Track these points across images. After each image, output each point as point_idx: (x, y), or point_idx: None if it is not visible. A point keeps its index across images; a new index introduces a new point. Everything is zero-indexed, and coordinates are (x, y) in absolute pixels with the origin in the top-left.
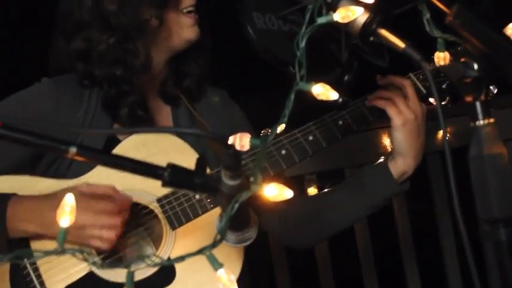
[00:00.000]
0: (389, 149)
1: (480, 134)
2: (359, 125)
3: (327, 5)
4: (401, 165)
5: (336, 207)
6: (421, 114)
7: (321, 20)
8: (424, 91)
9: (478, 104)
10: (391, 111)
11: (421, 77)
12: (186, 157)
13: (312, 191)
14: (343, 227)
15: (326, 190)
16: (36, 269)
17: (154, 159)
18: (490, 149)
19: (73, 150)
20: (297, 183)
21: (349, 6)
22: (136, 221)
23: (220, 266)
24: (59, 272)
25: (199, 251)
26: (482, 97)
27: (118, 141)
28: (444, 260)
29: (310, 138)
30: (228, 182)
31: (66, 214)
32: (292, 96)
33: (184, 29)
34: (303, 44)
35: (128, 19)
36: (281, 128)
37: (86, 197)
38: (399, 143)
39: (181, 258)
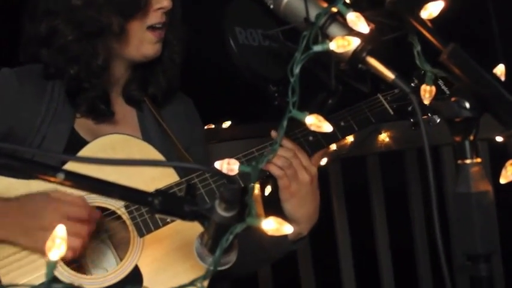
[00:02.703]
0: None
1: (468, 172)
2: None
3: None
4: (296, 229)
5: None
6: (311, 179)
7: (317, 48)
8: (392, 112)
9: (466, 143)
10: (281, 183)
11: (388, 98)
12: None
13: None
14: (247, 270)
15: None
16: None
17: None
18: (477, 186)
19: (61, 176)
20: None
21: (346, 36)
22: (100, 225)
23: None
24: (19, 276)
25: (191, 283)
26: (471, 137)
27: (81, 139)
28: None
29: None
30: (222, 212)
31: (56, 247)
32: (285, 124)
33: (144, 44)
34: (297, 71)
35: (89, 18)
36: None
37: (55, 200)
38: (289, 213)
39: None
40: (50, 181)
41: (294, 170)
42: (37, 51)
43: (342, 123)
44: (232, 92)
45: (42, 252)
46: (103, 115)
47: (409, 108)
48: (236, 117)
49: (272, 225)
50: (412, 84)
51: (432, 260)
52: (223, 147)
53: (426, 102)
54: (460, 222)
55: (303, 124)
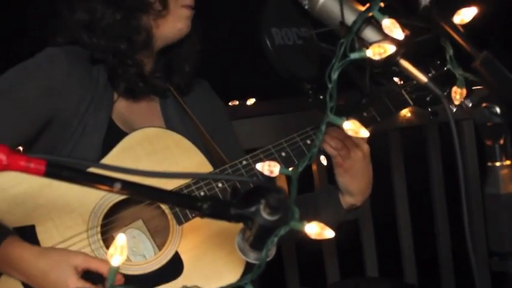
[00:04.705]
0: None
1: (497, 174)
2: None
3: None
4: (350, 201)
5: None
6: (364, 156)
7: (354, 56)
8: (411, 103)
9: (497, 147)
10: (335, 161)
11: (408, 88)
12: (189, 155)
13: None
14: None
15: None
16: None
17: (158, 156)
18: (506, 188)
19: (118, 185)
20: None
21: (381, 44)
22: (137, 213)
23: None
24: None
25: (240, 282)
26: (501, 141)
27: (118, 129)
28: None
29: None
30: (266, 216)
31: (118, 253)
32: (323, 128)
33: (180, 20)
34: (335, 77)
35: None
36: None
37: (78, 273)
38: (344, 187)
39: None
40: (107, 191)
41: (346, 149)
42: (76, 37)
43: (365, 114)
44: (256, 68)
45: None
46: (141, 92)
47: (428, 98)
48: (260, 94)
49: (315, 230)
50: (429, 74)
51: (452, 231)
52: (248, 124)
53: (456, 103)
54: (489, 221)
55: None
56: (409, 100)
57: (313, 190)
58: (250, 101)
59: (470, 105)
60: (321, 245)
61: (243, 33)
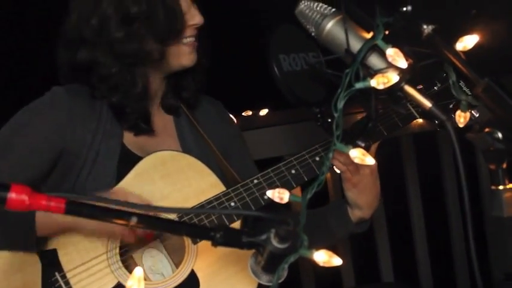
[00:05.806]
0: None
1: (501, 197)
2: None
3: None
4: (358, 214)
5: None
6: (371, 171)
7: (359, 85)
8: (418, 116)
9: (499, 171)
10: (343, 176)
11: (414, 102)
12: (202, 176)
13: None
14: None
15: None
16: (67, 283)
17: (172, 178)
18: (510, 211)
19: (134, 219)
20: None
21: (385, 74)
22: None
23: None
24: (89, 284)
25: None
26: (504, 165)
27: (131, 153)
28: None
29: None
30: (276, 244)
31: (136, 285)
32: (331, 155)
33: (181, 56)
34: (341, 106)
35: (131, 50)
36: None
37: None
38: (352, 201)
39: None
40: (124, 225)
41: (354, 165)
42: (76, 75)
43: None
44: (269, 78)
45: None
46: (145, 132)
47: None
48: (273, 104)
49: (323, 257)
50: (435, 87)
51: (467, 235)
52: (261, 134)
53: (461, 126)
54: (496, 243)
55: None
56: (415, 114)
57: (327, 196)
58: (263, 111)
59: (478, 115)
60: (337, 251)
61: (256, 43)
